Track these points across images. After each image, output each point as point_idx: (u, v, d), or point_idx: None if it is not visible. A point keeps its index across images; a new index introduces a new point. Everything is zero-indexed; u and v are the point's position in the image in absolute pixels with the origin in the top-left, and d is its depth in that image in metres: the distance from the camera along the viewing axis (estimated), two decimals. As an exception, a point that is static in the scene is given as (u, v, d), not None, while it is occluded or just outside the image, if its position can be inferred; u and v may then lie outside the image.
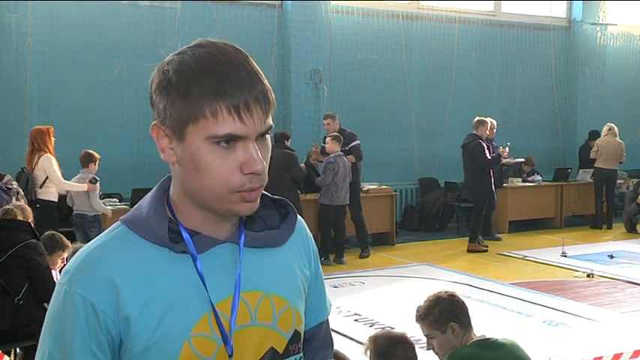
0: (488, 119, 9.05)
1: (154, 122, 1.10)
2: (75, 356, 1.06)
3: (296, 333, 1.20)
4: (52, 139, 6.82)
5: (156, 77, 1.09)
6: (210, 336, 1.09)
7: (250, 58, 1.09)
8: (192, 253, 1.10)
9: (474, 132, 8.81)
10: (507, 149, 9.06)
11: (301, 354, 1.23)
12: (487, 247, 8.94)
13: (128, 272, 1.07)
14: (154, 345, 1.07)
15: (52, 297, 1.11)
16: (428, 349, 2.83)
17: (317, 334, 1.32)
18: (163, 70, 1.08)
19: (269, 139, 1.12)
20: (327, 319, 1.36)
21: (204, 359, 1.09)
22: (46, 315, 1.11)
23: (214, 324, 1.10)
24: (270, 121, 1.09)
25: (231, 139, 1.04)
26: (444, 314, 2.71)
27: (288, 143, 8.24)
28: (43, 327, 1.11)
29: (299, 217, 1.27)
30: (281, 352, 1.17)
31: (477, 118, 8.99)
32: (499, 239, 9.60)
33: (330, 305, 1.38)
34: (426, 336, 2.79)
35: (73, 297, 1.06)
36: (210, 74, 1.04)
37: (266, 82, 1.08)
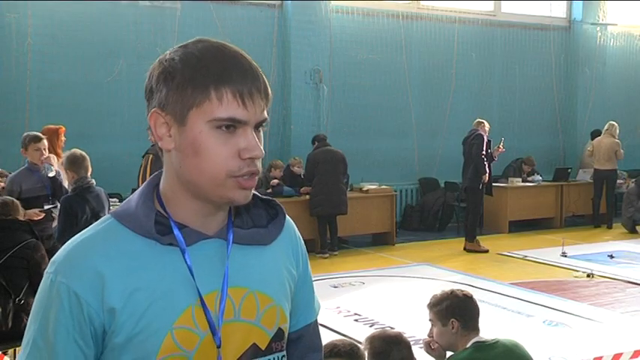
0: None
1: (153, 109, 1.12)
2: (58, 345, 1.07)
3: (279, 331, 1.21)
4: (63, 138, 6.78)
5: (157, 68, 1.12)
6: (192, 329, 1.11)
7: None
8: (180, 246, 1.12)
9: (478, 129, 8.85)
10: (502, 145, 9.06)
11: (284, 352, 1.23)
12: (487, 249, 8.88)
13: (114, 263, 1.09)
14: (136, 336, 1.08)
15: (40, 286, 1.12)
16: (429, 336, 2.86)
17: (305, 335, 1.32)
18: (166, 59, 1.11)
19: (262, 133, 1.14)
20: (316, 321, 1.36)
21: (185, 351, 1.10)
22: (33, 303, 1.13)
23: (197, 317, 1.11)
24: (266, 113, 1.12)
25: (232, 124, 1.08)
26: (450, 309, 2.77)
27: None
28: (30, 315, 1.12)
29: (288, 218, 1.29)
30: (263, 348, 1.18)
31: (478, 119, 9.08)
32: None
33: (319, 307, 1.38)
34: (430, 321, 2.87)
35: (58, 287, 1.08)
36: (215, 61, 1.08)
37: (265, 77, 1.13)
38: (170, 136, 1.11)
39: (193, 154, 1.08)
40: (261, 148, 1.11)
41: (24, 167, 5.65)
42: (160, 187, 1.17)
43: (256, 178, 1.12)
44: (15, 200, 4.57)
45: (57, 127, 6.69)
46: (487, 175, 8.75)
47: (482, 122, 8.96)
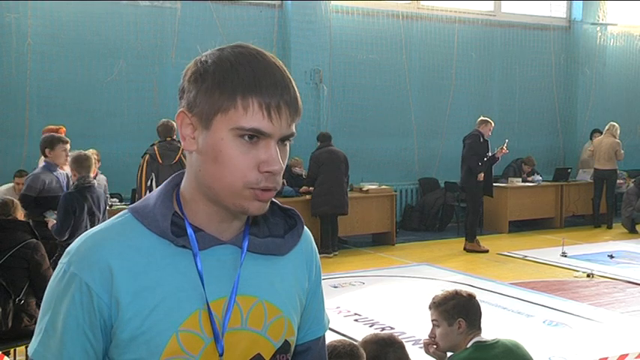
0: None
1: (180, 109, 1.11)
2: (66, 335, 1.07)
3: (286, 343, 1.20)
4: None
5: (191, 67, 1.11)
6: (198, 333, 1.10)
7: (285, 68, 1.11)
8: (193, 249, 1.11)
9: (477, 129, 8.82)
10: (505, 146, 9.02)
11: None
12: (487, 249, 8.87)
13: (125, 259, 1.09)
14: (141, 334, 1.08)
15: (53, 276, 1.12)
16: (429, 337, 2.85)
17: (312, 349, 1.31)
18: (201, 60, 1.10)
19: (288, 147, 1.13)
20: (324, 336, 1.35)
21: (190, 355, 1.09)
22: (45, 293, 1.12)
23: (204, 322, 1.10)
24: (293, 128, 1.10)
25: (255, 135, 1.06)
26: (457, 308, 2.78)
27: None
28: (42, 305, 1.12)
29: (306, 229, 1.27)
30: (268, 359, 1.17)
31: (482, 117, 9.00)
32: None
33: (329, 322, 1.37)
34: (432, 321, 2.85)
35: (70, 277, 1.08)
36: (248, 69, 1.06)
37: (297, 91, 1.10)
38: (194, 138, 1.10)
39: (213, 159, 1.07)
40: (282, 162, 1.09)
41: (43, 166, 5.54)
42: (180, 187, 1.17)
43: (274, 192, 1.10)
44: (15, 200, 4.57)
45: (57, 127, 6.67)
46: (481, 174, 8.71)
47: (486, 121, 8.81)
